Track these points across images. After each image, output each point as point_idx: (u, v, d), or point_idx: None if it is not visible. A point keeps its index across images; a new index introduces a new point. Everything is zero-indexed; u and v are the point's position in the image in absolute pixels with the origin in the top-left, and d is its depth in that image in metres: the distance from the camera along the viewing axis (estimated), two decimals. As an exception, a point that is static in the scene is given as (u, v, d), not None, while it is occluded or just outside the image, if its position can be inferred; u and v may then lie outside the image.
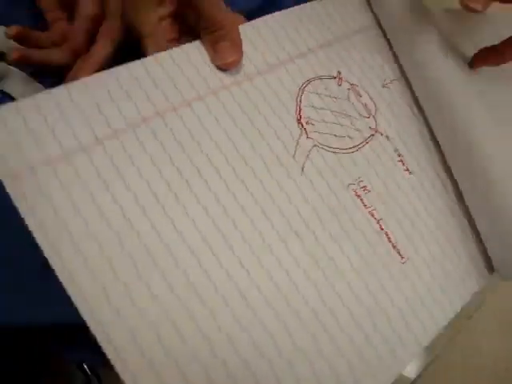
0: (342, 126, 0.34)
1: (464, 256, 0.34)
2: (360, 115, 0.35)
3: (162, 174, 0.27)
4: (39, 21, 0.38)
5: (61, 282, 0.22)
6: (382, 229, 0.32)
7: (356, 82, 0.36)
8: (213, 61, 0.31)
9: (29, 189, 0.24)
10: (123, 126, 0.27)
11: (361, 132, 0.34)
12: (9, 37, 0.34)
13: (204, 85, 0.30)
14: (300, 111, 0.33)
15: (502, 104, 0.38)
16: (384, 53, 0.39)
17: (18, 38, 0.35)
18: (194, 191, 0.27)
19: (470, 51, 0.38)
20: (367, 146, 0.34)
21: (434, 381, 0.71)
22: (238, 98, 0.31)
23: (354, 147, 0.33)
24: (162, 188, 0.26)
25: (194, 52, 0.31)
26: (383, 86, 0.37)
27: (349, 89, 0.36)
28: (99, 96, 0.27)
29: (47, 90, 0.26)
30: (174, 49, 0.30)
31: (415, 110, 0.38)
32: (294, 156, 0.31)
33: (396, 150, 0.35)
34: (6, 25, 0.35)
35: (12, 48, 0.35)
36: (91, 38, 0.36)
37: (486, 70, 0.38)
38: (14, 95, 0.35)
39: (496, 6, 0.33)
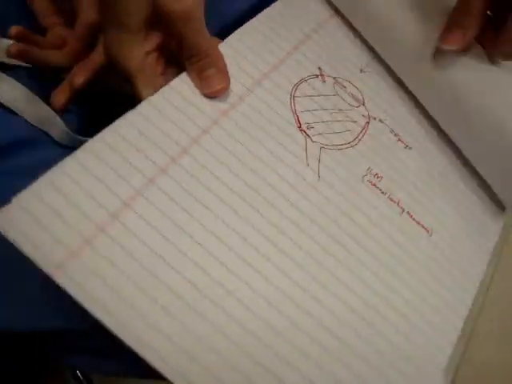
0: (338, 121, 0.34)
1: (478, 207, 0.36)
2: (351, 106, 0.36)
3: (195, 215, 0.27)
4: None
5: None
6: (404, 209, 0.33)
7: (337, 75, 0.37)
8: (201, 89, 0.30)
9: (80, 267, 0.23)
10: (143, 181, 0.26)
11: (357, 122, 0.35)
12: (9, 36, 0.35)
13: (204, 117, 0.30)
14: (298, 118, 0.33)
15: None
16: (351, 39, 0.40)
17: (19, 38, 0.36)
18: (229, 224, 0.27)
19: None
20: (366, 134, 0.35)
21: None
22: (240, 121, 0.31)
23: (355, 139, 0.34)
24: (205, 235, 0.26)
25: (183, 87, 0.30)
26: (361, 71, 0.38)
27: (334, 83, 0.36)
28: (111, 159, 0.26)
29: (69, 159, 0.25)
30: (164, 88, 0.30)
31: (396, 85, 0.39)
32: (308, 164, 0.31)
33: (392, 131, 0.36)
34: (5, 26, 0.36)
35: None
36: (90, 45, 0.38)
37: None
38: (3, 102, 0.35)
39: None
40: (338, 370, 0.26)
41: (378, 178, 0.33)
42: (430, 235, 0.33)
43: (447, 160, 0.37)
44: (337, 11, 0.40)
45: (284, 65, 0.35)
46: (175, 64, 0.32)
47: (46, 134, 0.37)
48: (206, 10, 0.29)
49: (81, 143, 0.37)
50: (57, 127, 0.37)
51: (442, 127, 0.37)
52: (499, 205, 0.37)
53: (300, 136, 0.32)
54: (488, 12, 0.32)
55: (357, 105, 0.36)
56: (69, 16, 0.40)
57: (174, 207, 0.26)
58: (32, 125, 0.36)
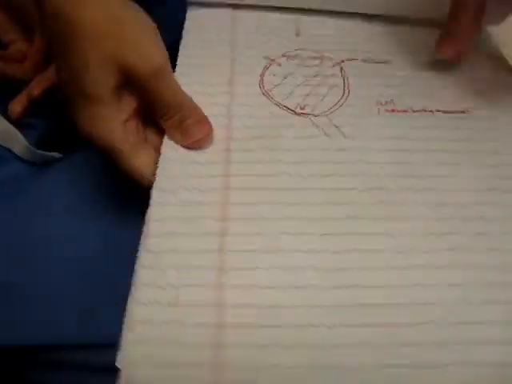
0: (319, 85, 0.33)
1: None
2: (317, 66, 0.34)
3: None
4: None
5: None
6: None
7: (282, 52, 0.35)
8: (182, 142, 0.28)
9: None
10: None
11: (333, 75, 0.33)
12: None
13: (213, 166, 0.28)
14: (287, 107, 0.31)
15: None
16: None
17: None
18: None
19: None
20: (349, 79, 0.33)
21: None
22: (245, 144, 0.29)
23: (343, 93, 0.32)
24: None
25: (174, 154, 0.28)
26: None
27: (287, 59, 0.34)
28: None
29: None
30: (161, 166, 0.27)
31: None
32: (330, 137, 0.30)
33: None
34: None
35: None
36: (50, 58, 0.39)
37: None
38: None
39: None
40: None
41: (390, 103, 0.32)
42: None
43: None
44: None
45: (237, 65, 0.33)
46: (151, 123, 0.30)
47: (9, 150, 0.36)
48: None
49: (43, 158, 0.36)
50: (19, 143, 0.36)
51: None
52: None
53: (302, 119, 0.30)
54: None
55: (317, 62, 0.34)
56: (28, 32, 0.40)
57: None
58: None
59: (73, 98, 0.27)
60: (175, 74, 0.31)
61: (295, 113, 0.31)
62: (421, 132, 0.30)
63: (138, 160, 0.27)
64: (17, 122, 0.37)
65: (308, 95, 0.32)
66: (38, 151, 0.36)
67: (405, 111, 0.32)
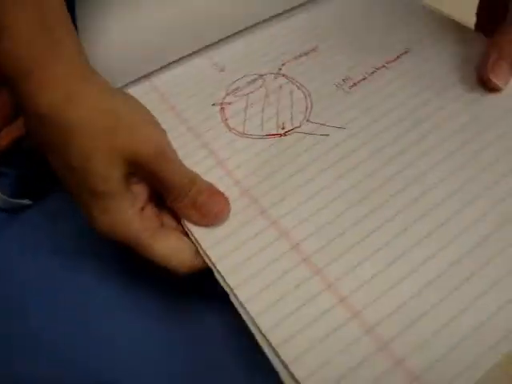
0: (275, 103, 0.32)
1: None
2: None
3: None
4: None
5: None
6: None
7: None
8: (202, 222, 0.26)
9: None
10: None
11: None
12: None
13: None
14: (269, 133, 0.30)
15: None
16: None
17: None
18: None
19: None
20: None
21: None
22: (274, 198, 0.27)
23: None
24: None
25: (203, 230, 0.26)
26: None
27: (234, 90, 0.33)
28: None
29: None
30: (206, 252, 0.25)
31: None
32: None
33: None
34: None
35: None
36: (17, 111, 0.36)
37: None
38: None
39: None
40: None
41: (347, 79, 0.32)
42: None
43: None
44: None
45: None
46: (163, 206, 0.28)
47: None
48: None
49: (14, 205, 0.34)
50: None
51: None
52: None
53: (293, 136, 0.30)
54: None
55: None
56: None
57: None
58: None
59: (79, 197, 0.25)
60: None
61: (281, 135, 0.30)
62: (389, 89, 0.31)
63: (162, 247, 0.25)
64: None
65: (277, 114, 0.31)
66: (12, 200, 0.34)
67: (363, 79, 0.32)
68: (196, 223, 0.26)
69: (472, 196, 0.25)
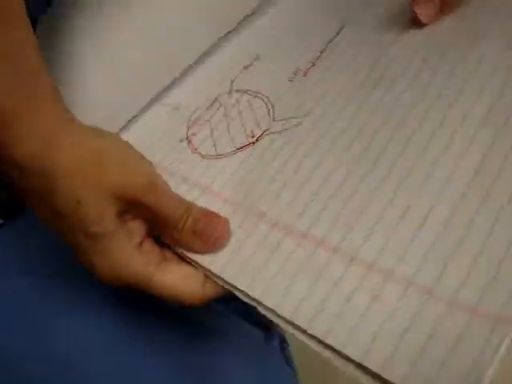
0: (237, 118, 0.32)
1: None
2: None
3: None
4: None
5: None
6: None
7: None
8: (205, 248, 0.25)
9: None
10: None
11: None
12: None
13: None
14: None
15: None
16: None
17: None
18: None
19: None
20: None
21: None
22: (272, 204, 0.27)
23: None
24: None
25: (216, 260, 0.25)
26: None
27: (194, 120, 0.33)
28: None
29: None
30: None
31: None
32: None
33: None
34: None
35: None
36: None
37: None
38: None
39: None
40: None
41: (298, 71, 0.32)
42: None
43: None
44: None
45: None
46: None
47: None
48: None
49: None
50: None
51: None
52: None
53: (265, 140, 0.29)
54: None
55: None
56: None
57: None
58: None
59: (74, 243, 0.24)
60: None
61: (253, 142, 0.29)
62: (340, 63, 0.31)
63: (168, 279, 0.24)
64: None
65: (243, 125, 0.31)
66: None
67: (313, 65, 0.32)
68: (199, 251, 0.25)
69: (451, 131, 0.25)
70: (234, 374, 0.28)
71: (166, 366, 0.28)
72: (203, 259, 0.25)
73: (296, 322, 0.21)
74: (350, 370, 0.19)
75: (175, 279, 0.24)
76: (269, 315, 0.22)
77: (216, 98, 0.33)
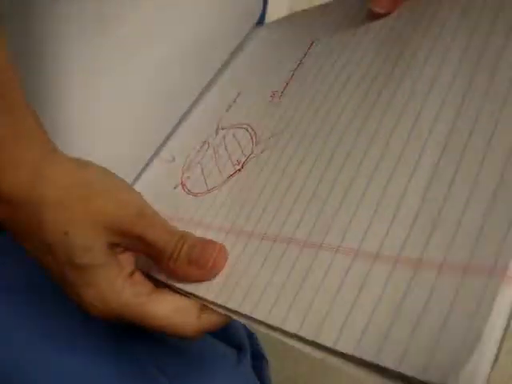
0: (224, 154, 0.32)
1: None
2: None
3: None
4: None
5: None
6: None
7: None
8: (203, 276, 0.24)
9: None
10: None
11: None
12: None
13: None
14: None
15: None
16: None
17: None
18: None
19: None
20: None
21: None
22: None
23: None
24: None
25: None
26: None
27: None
28: None
29: None
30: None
31: None
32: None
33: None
34: None
35: None
36: None
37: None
38: None
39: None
40: None
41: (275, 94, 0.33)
42: None
43: None
44: None
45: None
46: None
47: None
48: None
49: None
50: None
51: None
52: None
53: (250, 165, 0.29)
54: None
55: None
56: None
57: None
58: None
59: (61, 277, 0.23)
60: None
61: (239, 169, 0.29)
62: (314, 72, 0.31)
63: (160, 309, 0.23)
64: None
65: (229, 157, 0.31)
66: None
67: (287, 84, 0.32)
68: (196, 279, 0.24)
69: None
70: None
71: None
72: (198, 289, 0.24)
73: (302, 334, 0.19)
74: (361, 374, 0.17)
75: (168, 310, 0.23)
76: (282, 338, 0.20)
77: (205, 141, 0.34)
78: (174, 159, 0.35)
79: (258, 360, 0.37)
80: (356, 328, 0.18)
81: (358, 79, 0.28)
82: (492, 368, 0.14)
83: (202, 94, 0.39)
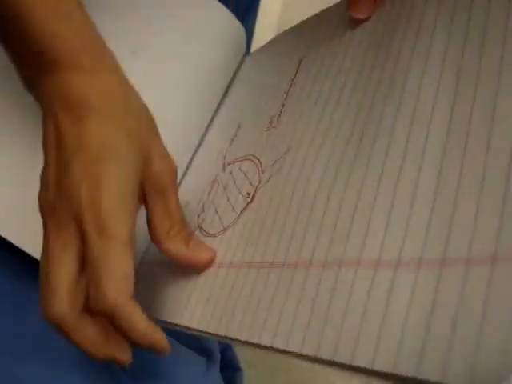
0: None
1: None
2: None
3: None
4: None
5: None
6: None
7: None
8: (192, 260, 0.27)
9: None
10: None
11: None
12: None
13: None
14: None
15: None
16: None
17: None
18: None
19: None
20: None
21: None
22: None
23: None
24: None
25: None
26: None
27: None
28: None
29: None
30: None
31: None
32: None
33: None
34: None
35: None
36: None
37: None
38: None
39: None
40: None
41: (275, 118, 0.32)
42: None
43: None
44: None
45: None
46: None
47: None
48: None
49: None
50: None
51: None
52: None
53: (263, 191, 0.29)
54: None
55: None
56: None
57: None
58: None
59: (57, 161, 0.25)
60: None
61: (249, 202, 0.29)
62: (306, 91, 0.31)
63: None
64: None
65: (239, 191, 0.30)
66: None
67: (283, 106, 0.32)
68: (180, 259, 0.27)
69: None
70: None
71: None
72: (229, 330, 0.23)
73: (339, 360, 0.18)
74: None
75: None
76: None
77: (214, 179, 0.34)
78: (188, 203, 0.35)
79: (234, 371, 0.39)
80: (391, 343, 0.16)
81: (350, 88, 0.27)
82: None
83: (204, 135, 0.39)
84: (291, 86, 0.33)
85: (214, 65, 0.39)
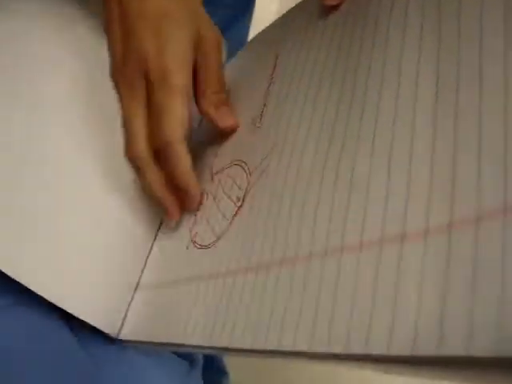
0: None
1: None
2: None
3: None
4: None
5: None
6: None
7: None
8: (217, 121, 0.32)
9: None
10: None
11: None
12: None
13: None
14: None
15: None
16: None
17: None
18: None
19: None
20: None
21: None
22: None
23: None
24: None
25: None
26: None
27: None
28: None
29: None
30: None
31: None
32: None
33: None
34: None
35: None
36: None
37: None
38: None
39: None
40: None
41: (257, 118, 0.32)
42: None
43: None
44: None
45: None
46: None
47: None
48: None
49: None
50: None
51: None
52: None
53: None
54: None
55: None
56: None
57: None
58: None
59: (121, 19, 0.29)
60: None
61: (240, 206, 0.27)
62: (285, 88, 0.30)
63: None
64: None
65: (229, 197, 0.29)
66: None
67: (264, 105, 0.31)
68: (210, 119, 0.32)
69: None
70: None
71: None
72: (232, 341, 0.21)
73: (352, 352, 0.16)
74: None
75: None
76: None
77: (202, 192, 0.32)
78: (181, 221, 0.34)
79: (221, 375, 0.40)
80: (406, 325, 0.15)
81: (329, 77, 0.26)
82: None
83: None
84: (270, 83, 0.32)
85: None
